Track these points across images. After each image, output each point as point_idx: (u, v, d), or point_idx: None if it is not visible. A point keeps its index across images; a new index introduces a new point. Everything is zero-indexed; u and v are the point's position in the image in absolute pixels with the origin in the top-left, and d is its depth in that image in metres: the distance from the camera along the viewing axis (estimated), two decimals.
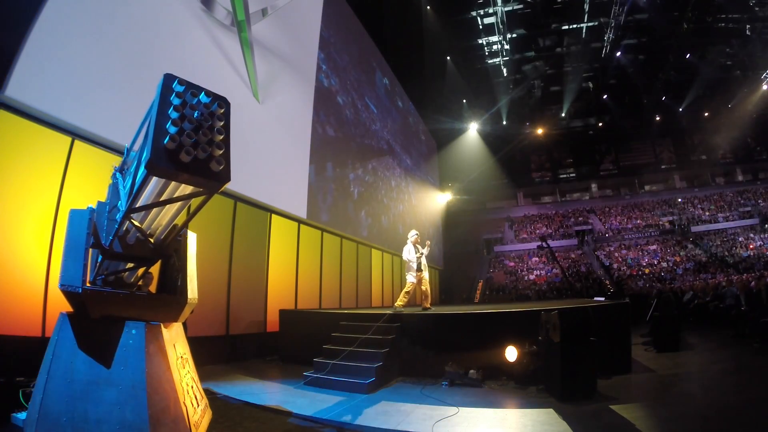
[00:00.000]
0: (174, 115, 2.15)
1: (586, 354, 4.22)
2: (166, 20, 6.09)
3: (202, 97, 2.29)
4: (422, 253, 7.06)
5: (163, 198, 2.51)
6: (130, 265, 2.97)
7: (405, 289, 6.95)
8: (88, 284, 2.71)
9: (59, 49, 4.54)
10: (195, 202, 2.61)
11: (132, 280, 3.15)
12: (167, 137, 2.08)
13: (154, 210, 2.68)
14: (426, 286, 7.04)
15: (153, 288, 3.33)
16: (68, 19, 4.64)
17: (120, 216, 2.67)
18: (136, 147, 2.79)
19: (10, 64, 4.12)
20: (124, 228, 2.74)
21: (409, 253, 6.98)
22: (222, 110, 2.37)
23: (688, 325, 9.85)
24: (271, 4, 8.41)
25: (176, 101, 2.19)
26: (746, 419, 3.34)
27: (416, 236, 7.15)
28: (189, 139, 2.14)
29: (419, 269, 6.95)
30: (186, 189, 2.54)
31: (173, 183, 2.43)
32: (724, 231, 25.49)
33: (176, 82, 2.23)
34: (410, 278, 6.96)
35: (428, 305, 7.08)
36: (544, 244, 12.13)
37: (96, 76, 4.96)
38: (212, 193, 2.46)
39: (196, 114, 2.24)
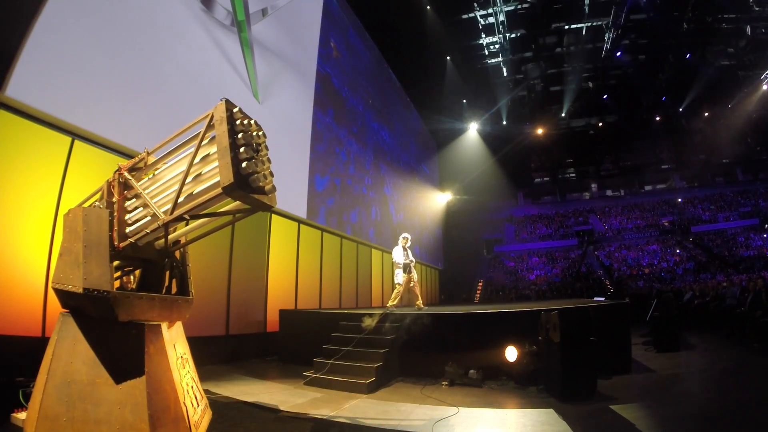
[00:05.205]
0: (241, 141, 2.36)
1: (586, 354, 4.22)
2: (166, 20, 6.09)
3: (253, 124, 2.52)
4: (411, 259, 7.29)
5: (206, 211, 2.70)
6: (116, 262, 2.96)
7: (395, 291, 7.21)
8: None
9: (59, 49, 4.54)
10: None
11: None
12: (244, 163, 2.31)
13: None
14: (416, 286, 7.30)
15: (134, 285, 3.32)
16: (68, 20, 4.64)
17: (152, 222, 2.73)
18: (157, 154, 2.85)
19: (10, 64, 4.12)
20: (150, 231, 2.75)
21: (398, 255, 7.22)
22: (265, 138, 2.63)
23: (688, 325, 9.85)
24: (271, 4, 8.41)
25: (239, 128, 2.40)
26: (746, 419, 3.34)
27: (406, 239, 7.38)
28: (255, 165, 2.38)
29: (408, 271, 7.18)
30: (223, 203, 2.71)
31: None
32: (724, 231, 25.49)
33: (237, 109, 2.45)
34: (398, 279, 7.19)
35: (421, 305, 7.31)
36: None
37: (96, 76, 4.95)
38: (254, 212, 2.74)
39: (254, 143, 2.49)
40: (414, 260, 7.39)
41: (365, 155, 13.34)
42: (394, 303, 7.13)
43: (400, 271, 7.16)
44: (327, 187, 10.56)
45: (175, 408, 2.67)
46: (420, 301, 7.36)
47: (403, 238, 7.38)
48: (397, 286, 7.18)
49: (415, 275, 7.28)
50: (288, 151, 8.86)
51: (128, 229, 2.75)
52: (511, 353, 4.99)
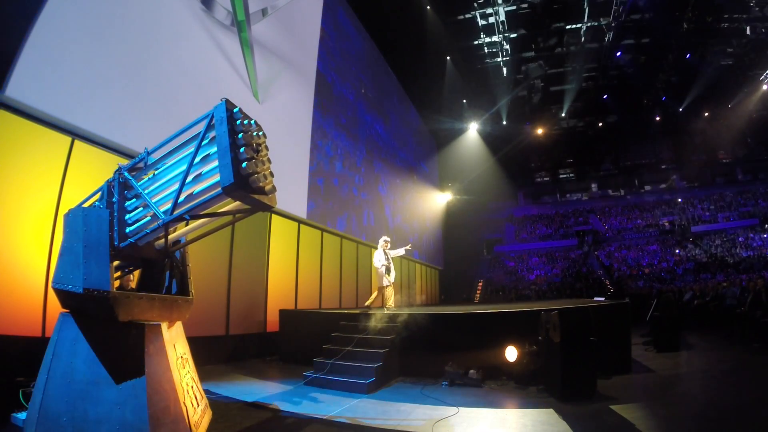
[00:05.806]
0: (242, 141, 2.38)
1: (586, 354, 4.22)
2: (166, 20, 6.09)
3: (253, 124, 2.53)
4: (390, 263, 7.42)
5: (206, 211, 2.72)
6: (116, 262, 2.97)
7: (388, 291, 7.36)
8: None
9: (59, 49, 4.54)
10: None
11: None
12: (244, 163, 2.33)
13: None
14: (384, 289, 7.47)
15: (134, 285, 3.33)
16: (68, 20, 4.64)
17: (151, 222, 2.75)
18: (157, 154, 2.85)
19: (10, 64, 4.12)
20: (150, 230, 2.76)
21: (379, 260, 7.30)
22: (265, 138, 2.63)
23: (688, 325, 9.85)
24: (271, 4, 8.41)
25: (239, 128, 2.41)
26: (746, 419, 3.34)
27: (386, 242, 7.49)
28: (255, 166, 2.40)
29: (388, 272, 7.31)
30: (223, 203, 2.72)
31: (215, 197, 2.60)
32: (724, 231, 25.48)
33: (237, 109, 2.46)
34: (386, 281, 7.29)
35: (370, 304, 7.55)
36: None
37: (96, 76, 4.95)
38: (254, 212, 2.75)
39: (254, 143, 2.50)
40: (393, 259, 7.47)
41: (356, 150, 12.22)
42: (391, 303, 7.21)
43: (382, 275, 7.29)
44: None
45: (175, 408, 2.67)
46: (370, 302, 7.56)
47: (384, 241, 7.47)
48: (389, 288, 7.33)
49: (392, 277, 7.45)
50: (288, 151, 8.86)
51: (128, 229, 2.75)
52: (511, 353, 4.99)
